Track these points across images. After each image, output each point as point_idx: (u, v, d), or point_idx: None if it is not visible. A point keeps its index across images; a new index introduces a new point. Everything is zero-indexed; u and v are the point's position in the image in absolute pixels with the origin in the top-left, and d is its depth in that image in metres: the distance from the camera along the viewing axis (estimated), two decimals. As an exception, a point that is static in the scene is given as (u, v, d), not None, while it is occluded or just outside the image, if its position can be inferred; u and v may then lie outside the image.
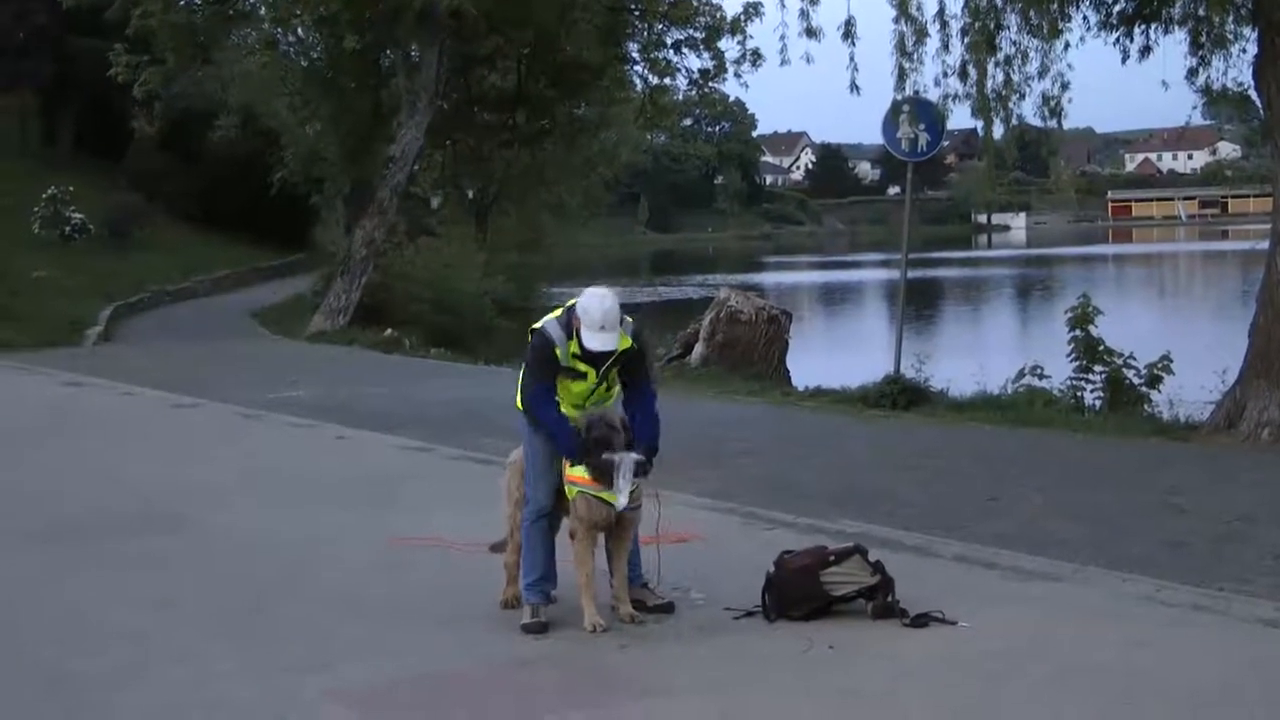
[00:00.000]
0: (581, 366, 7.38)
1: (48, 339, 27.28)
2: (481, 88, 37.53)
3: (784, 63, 19.64)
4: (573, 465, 7.36)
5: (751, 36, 34.95)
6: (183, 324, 33.19)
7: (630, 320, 7.41)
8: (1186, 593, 7.94)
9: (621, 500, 7.27)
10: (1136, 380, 16.66)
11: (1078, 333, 16.90)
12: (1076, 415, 15.83)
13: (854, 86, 17.68)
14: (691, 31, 36.00)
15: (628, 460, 7.24)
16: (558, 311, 7.48)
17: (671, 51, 36.40)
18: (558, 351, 7.31)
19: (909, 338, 19.96)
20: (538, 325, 7.44)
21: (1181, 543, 9.38)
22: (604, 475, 7.25)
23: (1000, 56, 16.18)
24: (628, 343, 7.34)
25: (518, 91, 37.23)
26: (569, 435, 7.34)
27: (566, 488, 7.45)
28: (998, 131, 16.81)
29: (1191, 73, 16.02)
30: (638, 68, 37.47)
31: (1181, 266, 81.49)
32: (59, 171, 42.66)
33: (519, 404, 7.60)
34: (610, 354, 7.31)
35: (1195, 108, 17.09)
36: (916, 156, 17.83)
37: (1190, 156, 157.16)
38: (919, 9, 16.29)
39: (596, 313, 7.18)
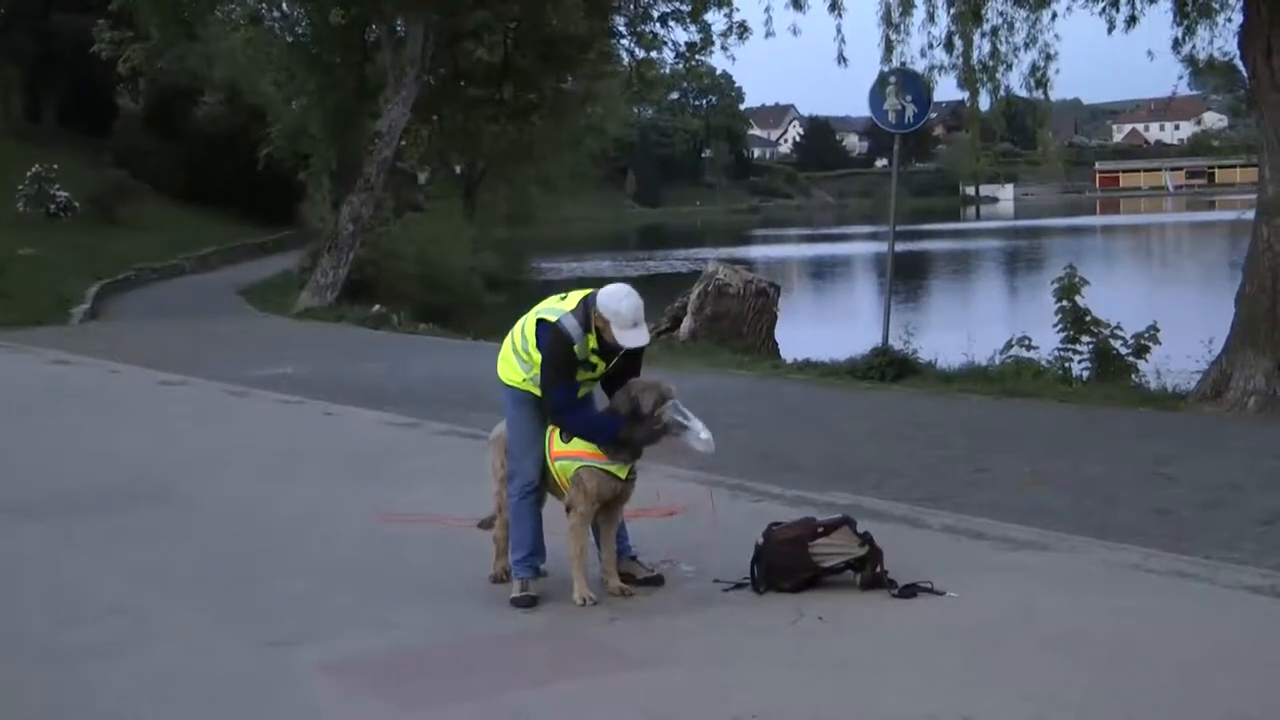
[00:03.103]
0: (595, 359, 7.33)
1: (34, 317, 27.24)
2: (468, 62, 37.39)
3: (769, 35, 19.68)
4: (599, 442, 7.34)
5: (738, 9, 34.97)
6: (169, 301, 33.13)
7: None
8: (1173, 561, 7.97)
9: (705, 436, 7.24)
10: (1124, 350, 16.71)
11: (1065, 303, 16.94)
12: (1064, 385, 15.87)
13: (841, 58, 17.71)
14: (678, 4, 35.93)
15: (675, 407, 7.24)
16: (569, 304, 7.31)
17: (658, 24, 36.35)
18: (576, 349, 7.24)
19: (897, 310, 19.98)
20: (551, 319, 7.27)
21: (1169, 511, 9.41)
22: (661, 435, 7.25)
23: (986, 27, 16.18)
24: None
25: (504, 65, 37.10)
26: (611, 424, 7.31)
27: (559, 464, 7.40)
28: (984, 103, 16.84)
29: (1177, 43, 16.01)
30: (624, 41, 37.42)
31: (1169, 237, 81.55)
32: (43, 149, 42.57)
33: (500, 376, 7.57)
34: (640, 347, 7.30)
35: (1181, 78, 17.16)
36: (903, 128, 17.82)
37: (1177, 127, 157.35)
38: (906, -21, 16.28)
39: (628, 312, 7.13)
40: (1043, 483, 10.44)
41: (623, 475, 7.33)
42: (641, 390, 7.28)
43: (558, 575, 7.53)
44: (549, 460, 7.45)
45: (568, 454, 7.35)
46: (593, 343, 7.25)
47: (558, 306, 7.36)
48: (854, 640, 6.66)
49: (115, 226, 41.30)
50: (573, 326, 7.23)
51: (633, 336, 7.20)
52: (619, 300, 7.17)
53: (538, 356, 7.34)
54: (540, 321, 7.35)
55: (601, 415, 7.40)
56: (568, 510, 7.42)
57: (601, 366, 7.37)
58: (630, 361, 7.43)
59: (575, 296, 7.37)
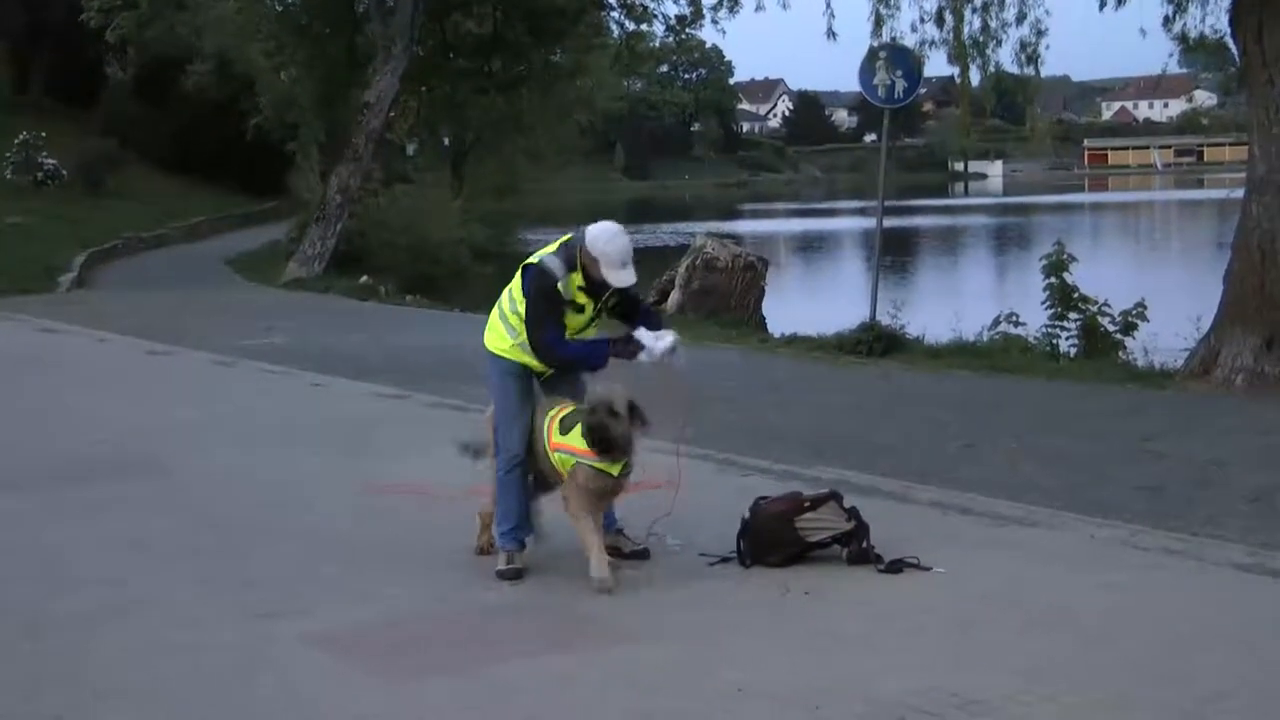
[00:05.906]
0: (581, 299, 7.26)
1: (21, 285, 27.14)
2: (457, 33, 37.28)
3: (759, 8, 19.72)
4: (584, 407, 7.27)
5: (729, -19, 34.82)
6: (157, 271, 33.03)
7: None
8: (1161, 537, 7.98)
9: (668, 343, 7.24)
10: (1111, 327, 16.72)
11: (1053, 280, 16.94)
12: (1052, 362, 15.89)
13: (831, 33, 17.73)
14: (668, -23, 35.85)
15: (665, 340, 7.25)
16: (552, 247, 7.31)
17: (648, -3, 36.24)
18: (560, 287, 7.18)
19: (885, 285, 19.99)
20: (533, 261, 7.26)
21: (1156, 488, 9.41)
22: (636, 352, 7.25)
23: (977, 2, 16.20)
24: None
25: (494, 37, 37.00)
26: (599, 348, 7.29)
27: (558, 456, 7.32)
28: (974, 78, 16.87)
29: (1168, 20, 16.03)
30: (614, 13, 37.33)
31: (1157, 215, 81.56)
32: (31, 117, 42.36)
33: (486, 345, 7.53)
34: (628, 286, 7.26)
35: (1172, 55, 17.14)
36: (893, 103, 17.78)
37: (1166, 105, 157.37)
38: (896, -45, 16.27)
39: (616, 253, 7.09)
40: (1020, 461, 10.44)
41: (615, 472, 7.24)
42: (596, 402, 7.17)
43: (543, 548, 7.54)
44: (548, 450, 7.37)
45: (565, 447, 7.27)
46: (578, 280, 7.19)
47: (540, 252, 7.34)
48: (840, 615, 6.66)
49: (103, 196, 41.16)
50: (556, 265, 7.18)
51: (621, 276, 7.15)
52: (607, 241, 7.12)
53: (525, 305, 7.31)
54: (525, 267, 7.34)
55: (590, 340, 7.36)
56: (565, 502, 7.37)
57: (590, 307, 7.30)
58: (630, 300, 7.43)
59: (563, 239, 7.35)
